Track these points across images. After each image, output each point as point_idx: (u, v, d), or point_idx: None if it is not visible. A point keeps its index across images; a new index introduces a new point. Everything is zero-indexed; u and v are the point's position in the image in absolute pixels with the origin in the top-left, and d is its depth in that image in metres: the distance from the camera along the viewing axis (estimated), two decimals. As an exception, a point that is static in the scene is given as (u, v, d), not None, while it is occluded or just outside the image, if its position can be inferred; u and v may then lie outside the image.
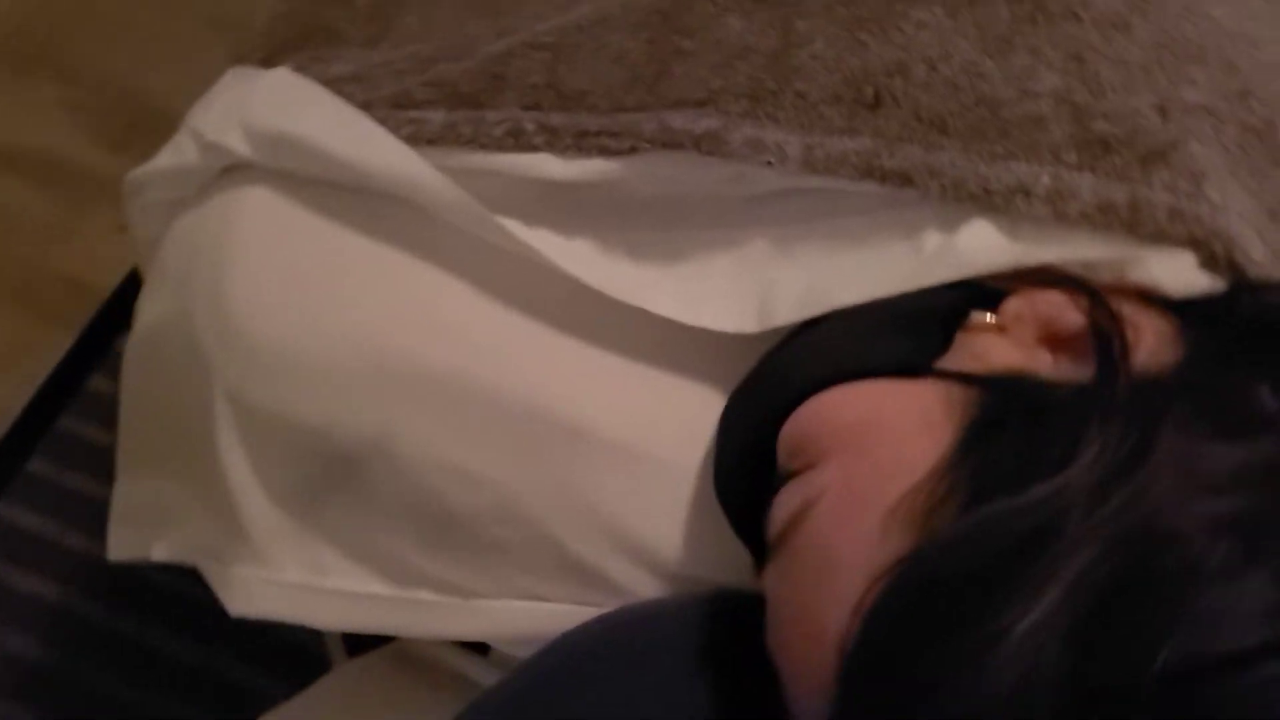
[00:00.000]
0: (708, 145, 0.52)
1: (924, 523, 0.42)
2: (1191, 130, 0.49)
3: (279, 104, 0.58)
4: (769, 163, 0.52)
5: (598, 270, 0.55)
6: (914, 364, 0.47)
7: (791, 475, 0.48)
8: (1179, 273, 0.48)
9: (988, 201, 0.49)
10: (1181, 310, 0.47)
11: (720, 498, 0.53)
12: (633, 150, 0.54)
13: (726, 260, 0.55)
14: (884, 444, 0.45)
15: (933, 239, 0.50)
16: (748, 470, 0.52)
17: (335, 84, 0.59)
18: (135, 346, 0.61)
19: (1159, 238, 0.48)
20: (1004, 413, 0.43)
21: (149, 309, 0.60)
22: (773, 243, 0.55)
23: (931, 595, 0.40)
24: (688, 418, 0.55)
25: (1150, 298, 0.48)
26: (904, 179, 0.50)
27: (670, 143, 0.53)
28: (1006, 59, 0.51)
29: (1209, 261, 0.48)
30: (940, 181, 0.50)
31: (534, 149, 0.56)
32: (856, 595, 0.41)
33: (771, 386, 0.52)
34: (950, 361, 0.47)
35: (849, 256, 0.53)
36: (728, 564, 0.55)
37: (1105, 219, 0.48)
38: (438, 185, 0.54)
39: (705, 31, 0.55)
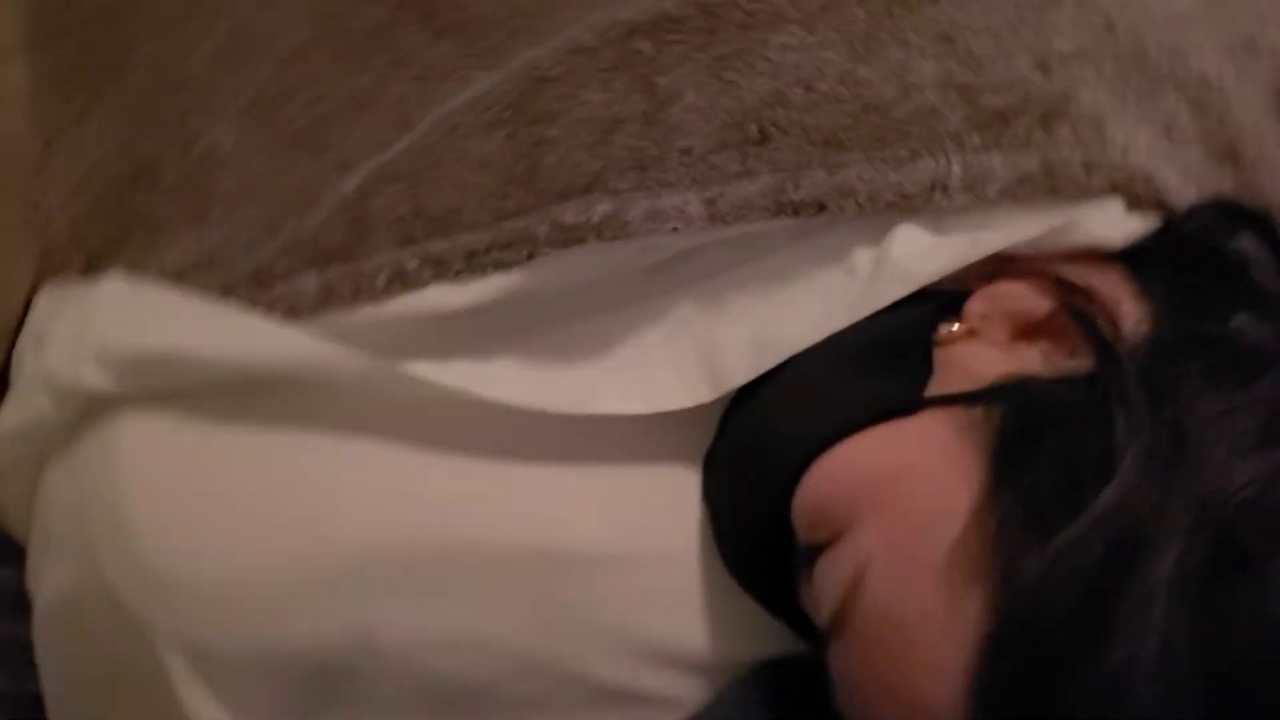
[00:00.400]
0: (609, 231, 0.49)
1: (989, 568, 0.41)
2: (1075, 79, 0.49)
3: (128, 319, 0.52)
4: (675, 229, 0.49)
5: (530, 388, 0.52)
6: (908, 400, 0.46)
7: (821, 547, 0.46)
8: (1114, 223, 0.48)
9: (907, 205, 0.48)
10: (1128, 260, 0.47)
11: (739, 579, 0.51)
12: (530, 257, 0.50)
13: (658, 333, 0.53)
14: (912, 493, 0.44)
15: (864, 257, 0.50)
16: (757, 544, 0.50)
17: (182, 276, 0.53)
18: (46, 627, 0.54)
19: (1082, 194, 0.48)
20: (1023, 427, 0.43)
21: (49, 584, 0.53)
22: (699, 302, 0.52)
23: (1040, 643, 0.39)
24: (671, 503, 0.53)
25: (1100, 256, 0.47)
26: (816, 206, 0.49)
27: (569, 240, 0.50)
28: (878, 58, 0.50)
29: (1134, 203, 0.48)
30: (854, 199, 0.49)
31: (423, 284, 0.51)
32: (952, 661, 0.40)
33: (760, 457, 0.50)
34: (941, 385, 0.46)
35: (784, 297, 0.51)
36: (756, 637, 0.53)
37: (1026, 190, 0.48)
38: (333, 358, 0.49)
39: (565, 113, 0.51)
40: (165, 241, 0.56)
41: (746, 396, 0.51)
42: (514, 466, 0.51)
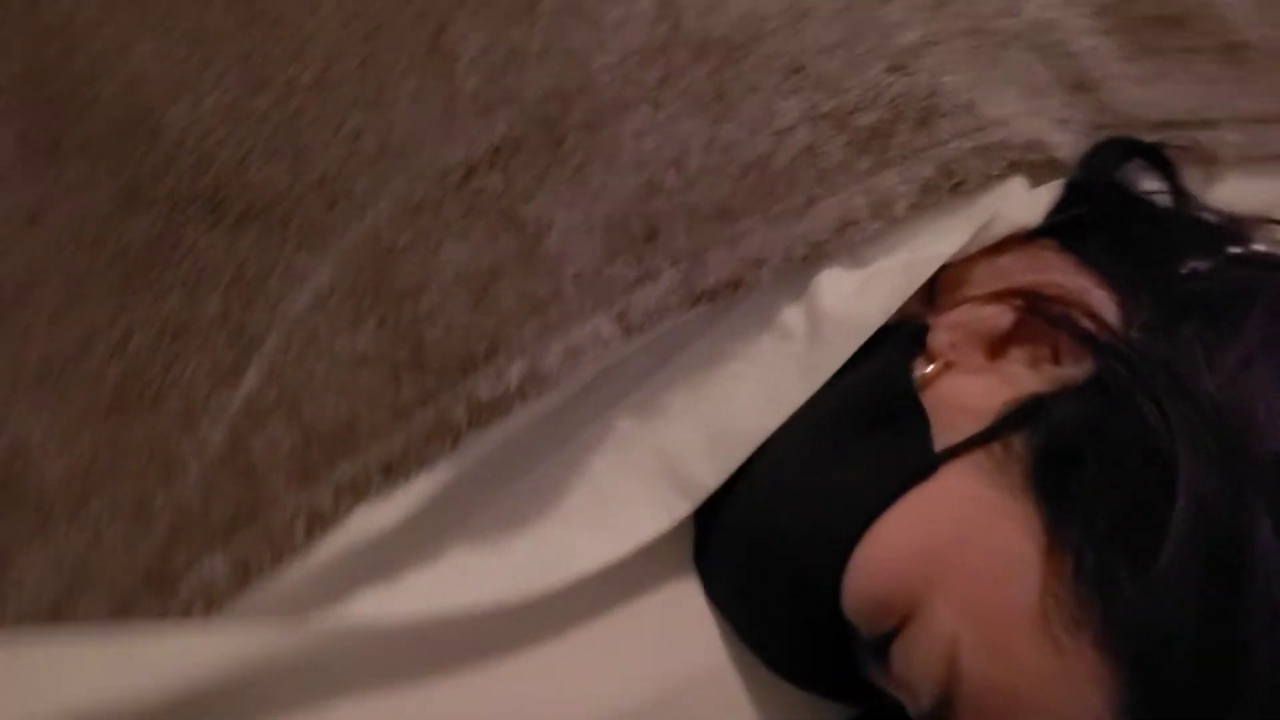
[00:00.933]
0: (532, 390, 0.45)
1: (1085, 608, 0.39)
2: (933, 69, 0.48)
3: (17, 697, 0.43)
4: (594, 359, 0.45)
5: (494, 578, 0.47)
6: (922, 461, 0.43)
7: (892, 635, 0.43)
8: (1025, 202, 0.47)
9: (821, 253, 0.45)
10: (1057, 235, 0.46)
11: (788, 676, 0.48)
12: (455, 445, 0.45)
13: (605, 462, 0.48)
14: (970, 557, 0.42)
15: (793, 317, 0.47)
16: (802, 640, 0.47)
17: (57, 609, 0.45)
18: None
19: (986, 183, 0.46)
20: (1054, 452, 0.41)
21: None
22: (635, 415, 0.48)
23: (1178, 673, 0.37)
24: (678, 626, 0.49)
25: (1029, 241, 0.46)
26: (732, 286, 0.46)
27: (492, 416, 0.44)
28: (737, 112, 0.47)
29: (1033, 174, 0.47)
30: (768, 266, 0.45)
31: (346, 516, 0.45)
32: (1083, 709, 0.38)
33: (787, 559, 0.46)
34: (945, 431, 0.44)
35: (724, 383, 0.48)
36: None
37: (932, 198, 0.46)
38: (265, 640, 0.43)
39: (431, 279, 0.46)
40: (11, 572, 0.47)
41: (726, 489, 0.48)
42: (505, 663, 0.46)
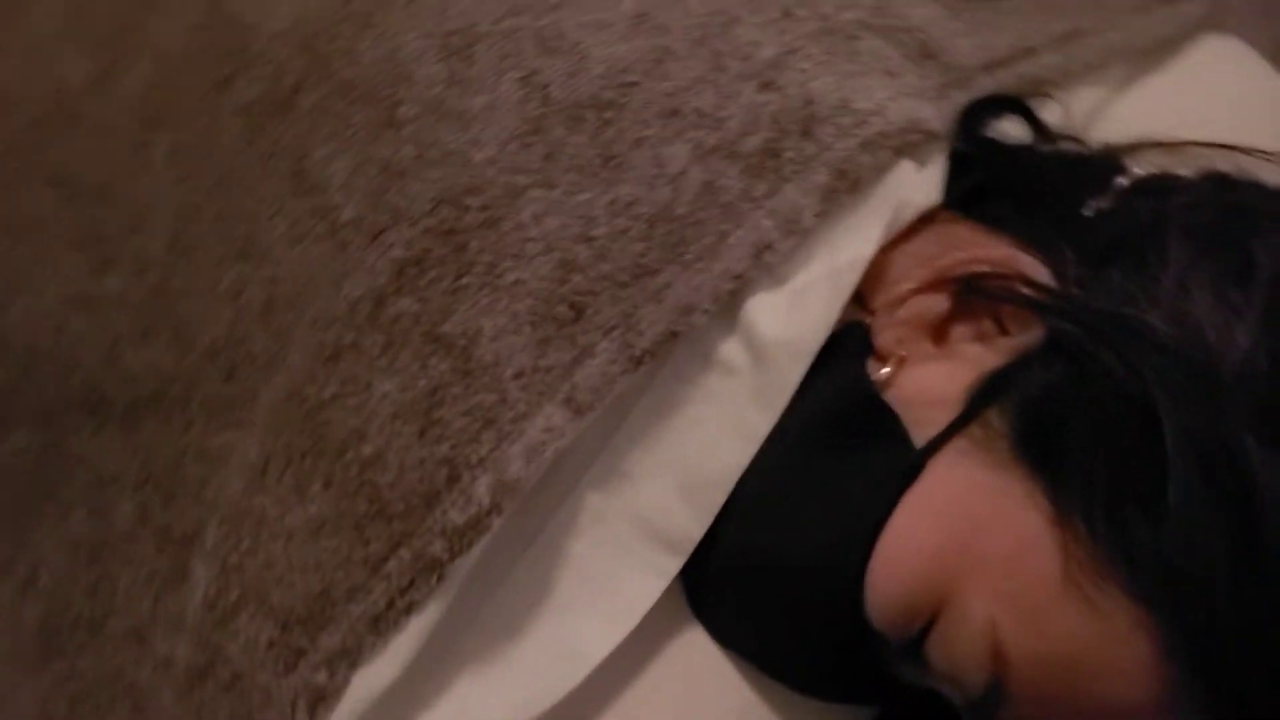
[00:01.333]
0: (505, 500, 0.43)
1: (1108, 564, 0.40)
2: (799, 78, 0.48)
3: None
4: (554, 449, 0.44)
5: (509, 693, 0.45)
6: (908, 462, 0.43)
7: (923, 634, 0.44)
8: (920, 184, 0.48)
9: (745, 282, 0.45)
10: (961, 208, 0.47)
11: (822, 695, 0.48)
12: (441, 580, 0.43)
13: (582, 543, 0.47)
14: (985, 543, 0.42)
15: (731, 350, 0.46)
16: (828, 659, 0.47)
17: None
18: None
19: (879, 175, 0.47)
20: (1035, 423, 0.42)
21: None
22: (597, 486, 0.47)
23: (1217, 598, 0.38)
24: (701, 681, 0.49)
25: (938, 220, 0.47)
26: (669, 338, 0.45)
27: (472, 538, 0.43)
28: (629, 169, 0.46)
29: (918, 153, 0.48)
30: (699, 310, 0.45)
31: (346, 684, 0.42)
32: (1135, 658, 0.40)
33: (799, 587, 0.46)
34: (920, 426, 0.44)
35: (683, 433, 0.47)
36: None
37: (834, 204, 0.46)
38: None
39: (369, 422, 0.43)
40: None
41: (711, 535, 0.47)
42: None
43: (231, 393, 0.45)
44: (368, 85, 0.47)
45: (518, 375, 0.44)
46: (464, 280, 0.44)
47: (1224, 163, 0.48)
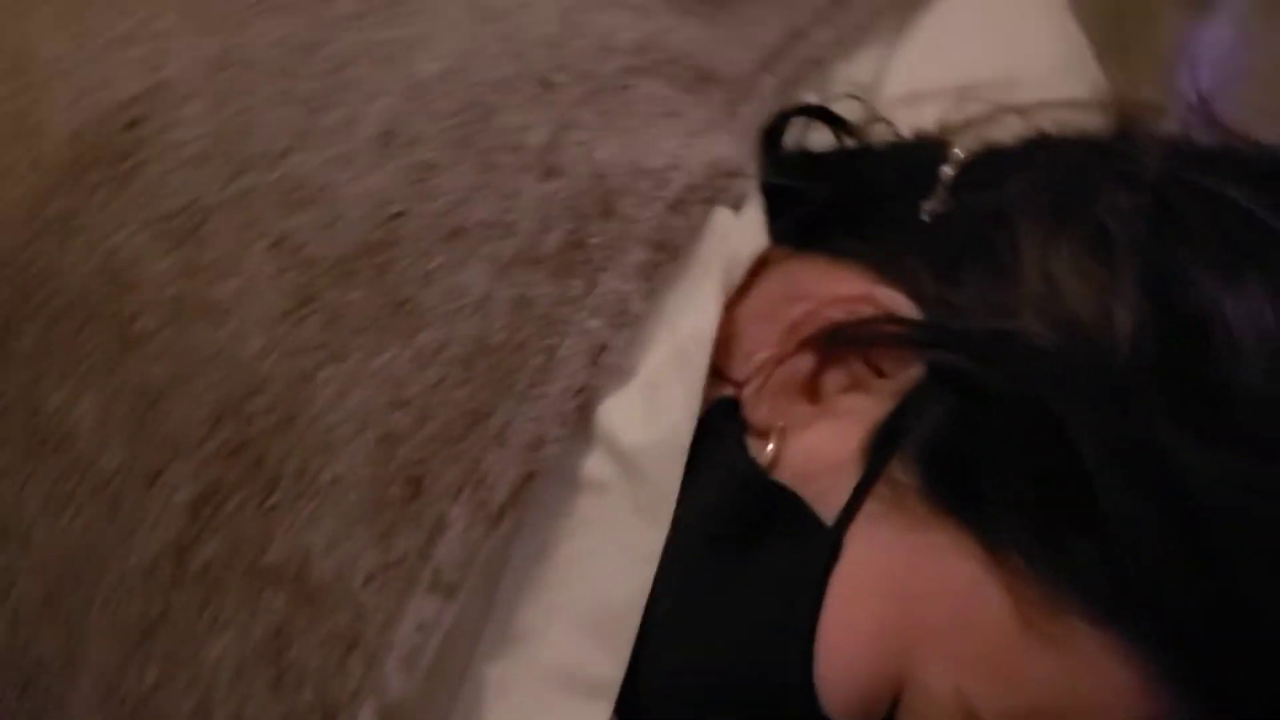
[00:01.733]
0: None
1: (1057, 595, 0.37)
2: (580, 154, 0.43)
3: None
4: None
5: None
6: (825, 544, 0.39)
7: (891, 716, 0.40)
8: (742, 230, 0.45)
9: (592, 393, 0.41)
10: (796, 244, 0.44)
11: None
12: None
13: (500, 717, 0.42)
14: (926, 607, 0.39)
15: (596, 466, 0.42)
16: None
17: None
18: None
19: (698, 233, 0.43)
20: (940, 468, 0.39)
21: None
22: (500, 652, 0.42)
23: (1176, 594, 0.36)
24: None
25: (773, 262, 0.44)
26: (525, 480, 0.40)
27: None
28: (425, 311, 0.40)
29: (728, 196, 0.44)
30: (549, 440, 0.40)
31: None
32: (1114, 686, 0.37)
33: (741, 710, 0.41)
34: (821, 501, 0.40)
35: (572, 570, 0.42)
36: None
37: (657, 279, 0.42)
38: None
39: (213, 690, 0.38)
40: None
41: (633, 670, 0.42)
42: None
43: (32, 710, 0.37)
44: (90, 304, 0.40)
45: (368, 580, 0.38)
46: (273, 498, 0.38)
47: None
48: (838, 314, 0.41)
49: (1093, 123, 0.44)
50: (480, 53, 0.44)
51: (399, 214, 0.41)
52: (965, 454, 0.38)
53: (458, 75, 0.43)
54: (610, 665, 0.41)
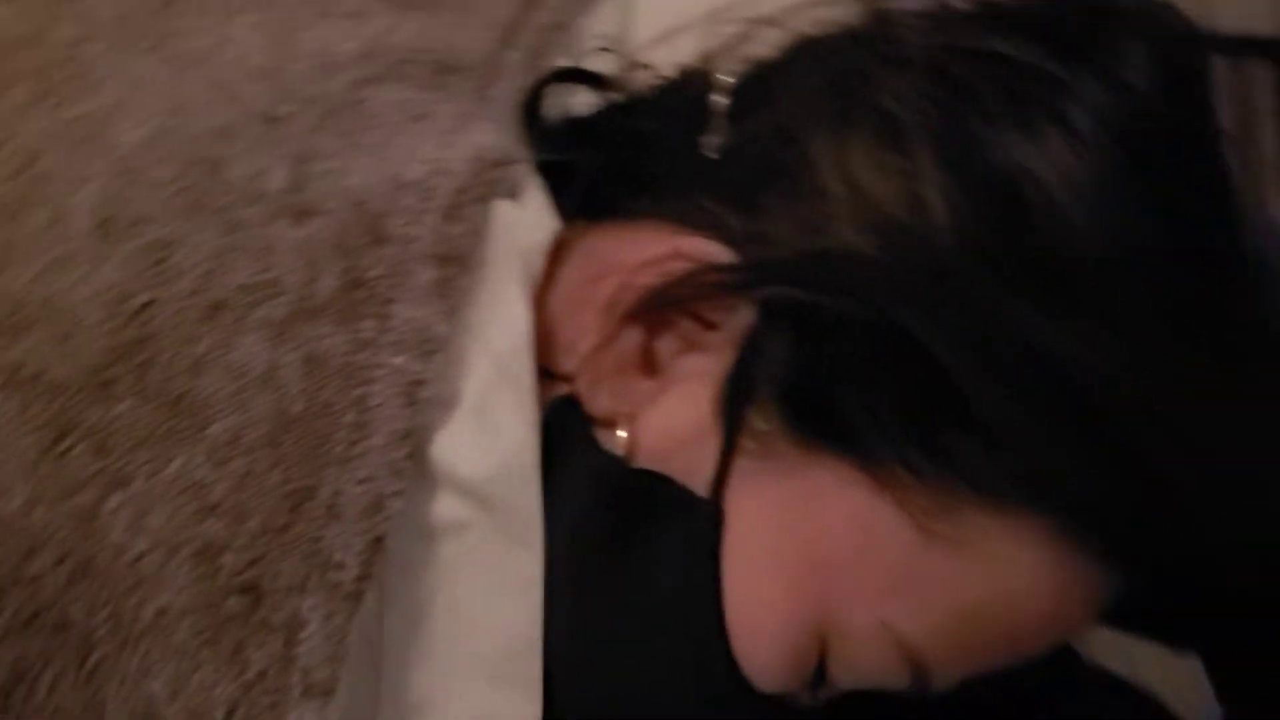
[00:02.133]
0: None
1: (948, 493, 0.36)
2: (326, 187, 0.39)
3: None
4: None
5: None
6: (707, 518, 0.37)
7: (822, 667, 0.38)
8: (532, 219, 0.42)
9: (415, 435, 0.37)
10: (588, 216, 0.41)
11: None
12: None
13: None
14: (826, 549, 0.37)
15: (449, 507, 0.39)
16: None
17: None
18: None
19: (480, 236, 0.40)
20: (799, 406, 0.37)
21: None
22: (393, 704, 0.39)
23: (1065, 452, 0.35)
24: None
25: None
26: (373, 547, 0.36)
27: None
28: (204, 398, 0.36)
29: (502, 186, 0.41)
30: (388, 497, 0.37)
31: None
32: (1041, 573, 0.36)
33: (670, 706, 0.39)
34: (693, 474, 0.38)
35: (451, 621, 0.39)
36: None
37: (455, 294, 0.39)
38: None
39: None
40: None
41: (549, 699, 0.40)
42: None
43: None
44: None
45: (231, 711, 0.34)
46: (93, 658, 0.33)
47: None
48: (650, 279, 0.38)
49: (850, 12, 0.42)
50: (188, 105, 0.40)
51: (145, 304, 0.36)
52: (820, 384, 0.36)
53: (169, 135, 0.39)
54: (526, 709, 0.39)
